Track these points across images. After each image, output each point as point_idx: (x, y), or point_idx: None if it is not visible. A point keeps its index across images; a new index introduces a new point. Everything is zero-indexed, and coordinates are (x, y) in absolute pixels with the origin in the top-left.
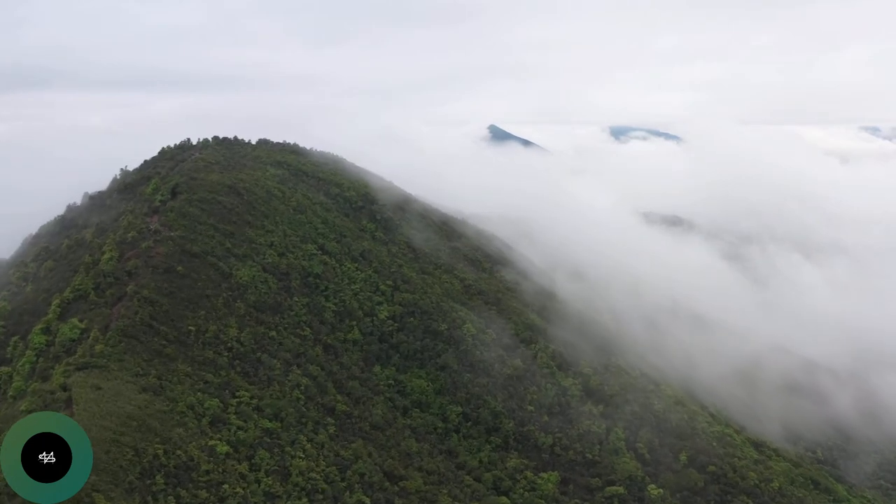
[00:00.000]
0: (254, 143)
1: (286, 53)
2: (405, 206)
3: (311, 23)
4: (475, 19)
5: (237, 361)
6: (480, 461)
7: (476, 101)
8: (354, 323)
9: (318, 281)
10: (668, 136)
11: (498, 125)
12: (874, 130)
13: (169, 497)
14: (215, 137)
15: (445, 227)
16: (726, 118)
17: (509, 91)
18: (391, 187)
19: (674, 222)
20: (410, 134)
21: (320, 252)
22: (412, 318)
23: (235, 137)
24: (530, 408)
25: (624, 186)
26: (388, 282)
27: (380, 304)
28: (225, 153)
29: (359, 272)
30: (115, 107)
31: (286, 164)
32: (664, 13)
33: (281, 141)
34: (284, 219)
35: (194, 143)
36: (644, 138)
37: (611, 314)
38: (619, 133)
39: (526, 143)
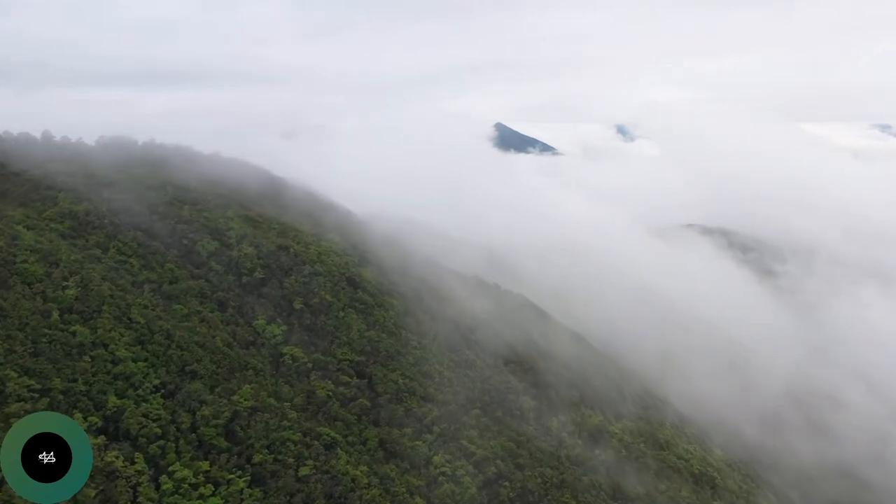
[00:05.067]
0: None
1: (282, 46)
2: (358, 281)
3: (312, 15)
4: (485, 14)
5: None
6: None
7: (482, 98)
8: None
9: None
10: (677, 134)
11: (504, 123)
12: (885, 128)
13: None
14: None
15: (437, 314)
16: (737, 115)
17: (517, 88)
18: (345, 225)
19: (699, 232)
20: (409, 132)
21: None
22: None
23: (46, 132)
24: None
25: (632, 189)
26: None
27: None
28: None
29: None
30: (104, 104)
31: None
32: (676, 10)
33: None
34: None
35: None
36: (651, 136)
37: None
38: (626, 131)
39: (533, 141)
